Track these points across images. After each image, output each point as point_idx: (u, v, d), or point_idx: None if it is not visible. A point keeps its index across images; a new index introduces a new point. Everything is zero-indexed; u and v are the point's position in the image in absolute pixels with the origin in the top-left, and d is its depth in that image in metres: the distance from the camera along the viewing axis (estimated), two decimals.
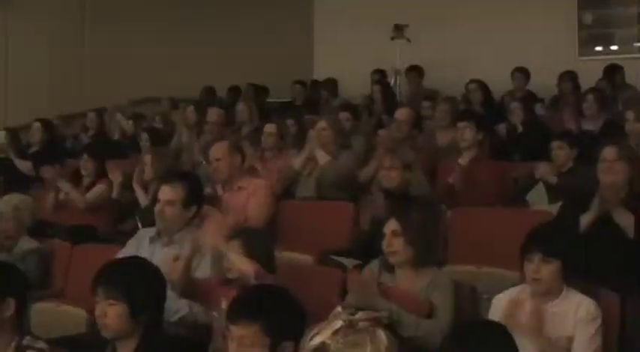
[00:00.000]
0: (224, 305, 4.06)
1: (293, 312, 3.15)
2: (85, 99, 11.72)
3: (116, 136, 10.32)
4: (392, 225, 4.18)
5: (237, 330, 3.05)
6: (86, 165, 7.29)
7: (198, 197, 4.93)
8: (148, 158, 6.88)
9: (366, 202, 5.72)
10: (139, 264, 3.77)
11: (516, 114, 7.99)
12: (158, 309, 3.61)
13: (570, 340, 3.74)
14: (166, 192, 4.80)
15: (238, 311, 3.10)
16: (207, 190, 5.93)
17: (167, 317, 4.25)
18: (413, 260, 4.17)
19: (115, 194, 7.01)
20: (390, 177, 5.57)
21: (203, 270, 4.55)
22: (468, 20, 11.72)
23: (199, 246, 4.36)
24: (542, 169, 6.23)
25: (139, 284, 3.51)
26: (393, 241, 4.16)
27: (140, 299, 3.47)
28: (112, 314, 3.43)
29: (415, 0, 11.94)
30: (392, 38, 10.91)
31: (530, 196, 6.16)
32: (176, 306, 4.37)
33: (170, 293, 4.35)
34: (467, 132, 6.62)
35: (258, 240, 4.34)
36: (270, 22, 12.88)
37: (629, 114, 6.41)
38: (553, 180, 6.13)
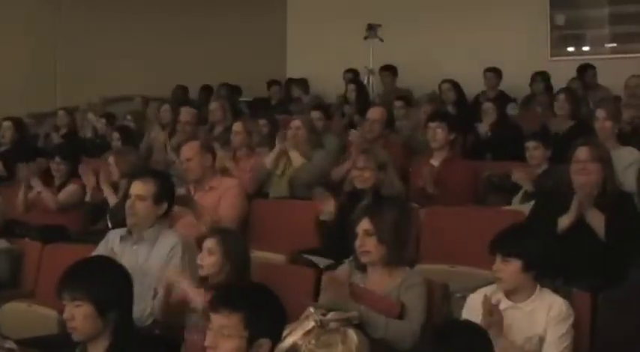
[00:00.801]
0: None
1: (275, 311, 3.14)
2: (57, 97, 11.65)
3: (88, 135, 10.24)
4: (364, 225, 4.18)
5: (218, 319, 3.02)
6: (58, 168, 7.23)
7: (169, 194, 4.91)
8: (111, 159, 6.84)
9: (339, 201, 5.69)
10: (102, 263, 3.76)
11: (489, 114, 8.01)
12: (126, 307, 3.58)
13: (542, 339, 3.77)
14: (138, 187, 4.78)
15: (222, 300, 3.08)
16: (181, 190, 5.90)
17: (141, 322, 4.25)
18: (385, 259, 4.16)
19: (88, 197, 6.94)
20: (364, 177, 5.56)
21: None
22: (441, 20, 11.77)
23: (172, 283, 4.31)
24: (518, 175, 6.24)
25: (104, 282, 3.48)
26: (366, 241, 4.15)
27: (106, 298, 3.44)
28: (79, 315, 3.40)
29: (388, 0, 11.96)
30: (365, 38, 10.92)
31: (515, 202, 6.16)
32: (148, 310, 4.36)
33: (141, 295, 4.36)
34: (438, 133, 6.63)
35: (233, 241, 4.32)
36: (243, 22, 12.84)
37: (600, 112, 6.42)
38: (529, 186, 6.13)
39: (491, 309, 3.73)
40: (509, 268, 3.83)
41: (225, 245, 4.24)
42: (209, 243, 4.26)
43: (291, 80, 12.39)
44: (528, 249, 3.88)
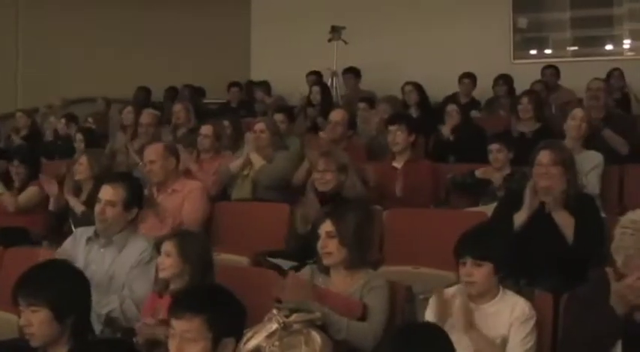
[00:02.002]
0: (162, 314, 4.03)
1: (235, 309, 3.16)
2: (18, 98, 11.54)
3: (49, 137, 10.14)
4: (327, 227, 4.18)
5: (180, 325, 3.03)
6: (17, 170, 7.13)
7: (138, 199, 4.87)
8: (83, 158, 6.75)
9: (301, 203, 5.68)
10: (57, 267, 3.71)
11: (453, 117, 8.03)
12: (84, 311, 3.55)
13: (505, 340, 3.78)
14: (108, 192, 4.72)
15: (182, 305, 3.09)
16: (145, 192, 5.87)
17: (97, 310, 4.20)
18: (347, 261, 4.17)
19: (51, 206, 6.82)
20: (325, 179, 5.56)
21: (143, 285, 4.50)
22: (405, 23, 11.81)
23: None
24: (484, 171, 6.26)
25: (59, 286, 3.43)
26: (328, 242, 4.15)
27: (63, 302, 3.39)
28: (36, 321, 3.36)
29: (352, 2, 11.99)
30: (329, 40, 10.92)
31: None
32: (106, 299, 4.33)
33: (100, 288, 4.32)
34: (398, 136, 6.64)
35: (191, 242, 4.28)
36: (207, 23, 12.80)
37: (578, 112, 6.46)
38: (496, 179, 6.17)
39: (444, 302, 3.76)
40: (482, 271, 3.84)
41: (183, 247, 4.20)
42: (167, 246, 4.23)
43: (251, 82, 12.36)
44: (499, 252, 3.90)
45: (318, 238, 4.19)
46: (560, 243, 4.70)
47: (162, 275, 4.22)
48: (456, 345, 2.95)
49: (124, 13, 12.47)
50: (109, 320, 4.37)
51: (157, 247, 4.35)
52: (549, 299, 4.04)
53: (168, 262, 4.19)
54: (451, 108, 8.15)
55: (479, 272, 3.83)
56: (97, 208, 4.74)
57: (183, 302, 3.11)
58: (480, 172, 6.33)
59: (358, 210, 4.51)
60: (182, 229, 5.00)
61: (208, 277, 4.20)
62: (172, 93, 11.99)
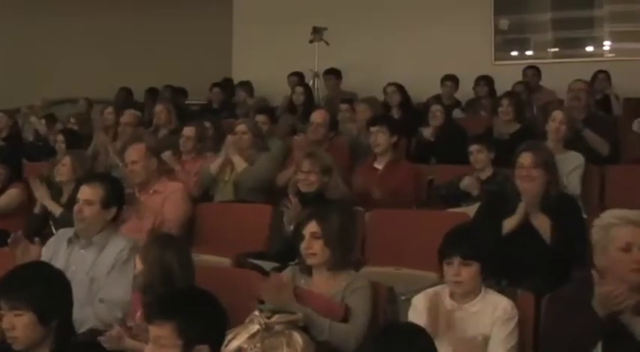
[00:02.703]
0: (138, 316, 4.02)
1: (210, 316, 3.12)
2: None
3: (30, 138, 10.08)
4: (311, 228, 4.18)
5: (153, 330, 3.04)
6: None
7: (118, 198, 4.84)
8: (67, 160, 6.71)
9: (282, 204, 5.67)
10: (40, 270, 3.64)
11: (437, 117, 8.03)
12: (67, 314, 3.52)
13: (486, 338, 3.79)
14: (85, 192, 4.71)
15: (154, 311, 3.08)
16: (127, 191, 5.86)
17: (76, 328, 4.17)
18: (330, 263, 4.17)
19: (36, 209, 6.77)
20: (309, 180, 5.56)
21: (121, 287, 4.48)
22: (387, 24, 11.81)
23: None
24: (467, 182, 6.27)
25: (44, 290, 3.38)
26: (313, 243, 4.15)
27: (47, 306, 3.34)
28: (20, 325, 3.30)
29: (334, 3, 11.98)
30: (310, 41, 10.92)
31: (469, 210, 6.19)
32: (82, 316, 4.29)
33: (88, 301, 4.30)
34: (380, 137, 6.65)
35: (156, 248, 4.21)
36: (189, 24, 12.77)
37: (558, 114, 6.48)
38: (475, 192, 6.17)
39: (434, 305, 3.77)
40: (470, 271, 3.84)
41: (146, 253, 4.18)
42: (139, 250, 4.22)
43: (227, 81, 12.31)
44: (485, 251, 3.91)
45: (302, 239, 4.18)
46: (543, 246, 4.72)
47: (137, 281, 4.20)
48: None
49: (106, 14, 12.45)
50: (91, 332, 4.34)
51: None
52: (531, 299, 4.05)
53: (138, 267, 4.18)
54: (435, 108, 8.14)
55: (466, 272, 3.83)
56: (75, 207, 4.73)
57: (156, 307, 3.10)
58: (465, 185, 6.31)
59: (341, 211, 4.50)
60: (158, 233, 4.96)
61: (174, 281, 4.10)
62: (153, 94, 11.95)
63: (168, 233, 5.15)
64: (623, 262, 3.51)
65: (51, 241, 4.88)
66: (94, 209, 4.67)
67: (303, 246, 4.17)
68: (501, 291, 3.96)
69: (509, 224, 4.83)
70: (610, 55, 11.51)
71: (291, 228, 5.31)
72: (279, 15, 12.38)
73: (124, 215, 5.65)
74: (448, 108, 8.63)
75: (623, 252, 3.52)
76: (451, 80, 10.44)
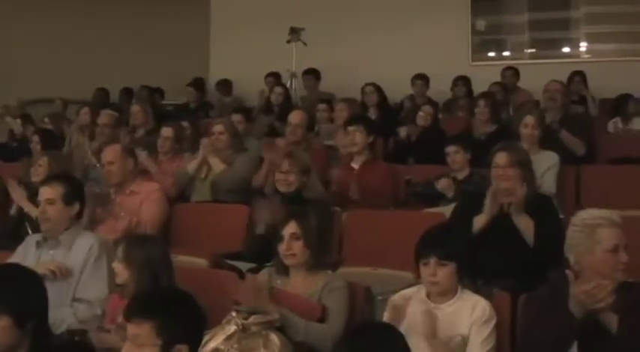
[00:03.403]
0: (120, 319, 4.00)
1: (190, 316, 3.12)
2: None
3: (4, 138, 10.02)
4: (291, 228, 4.17)
5: (131, 329, 3.02)
6: None
7: (79, 193, 4.82)
8: (44, 160, 6.65)
9: (260, 205, 5.66)
10: (14, 271, 3.58)
11: (426, 120, 8.05)
12: (44, 315, 3.48)
13: (464, 338, 3.79)
14: (46, 192, 4.70)
15: (133, 309, 3.07)
16: (96, 189, 5.84)
17: (54, 330, 4.15)
18: (309, 263, 4.17)
19: (13, 210, 6.71)
20: (288, 180, 5.56)
21: (97, 285, 4.47)
22: (364, 24, 11.83)
23: None
24: (443, 184, 6.28)
25: (21, 292, 3.33)
26: (293, 244, 4.14)
27: (23, 308, 3.28)
28: None
29: (312, 3, 11.99)
30: (288, 41, 10.91)
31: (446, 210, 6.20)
32: (60, 316, 4.27)
33: (60, 301, 4.27)
34: (357, 136, 6.65)
35: (137, 247, 4.21)
36: (167, 24, 12.72)
37: (529, 119, 6.50)
38: (450, 194, 6.18)
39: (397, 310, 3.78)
40: (446, 271, 3.84)
41: (128, 252, 4.15)
42: (118, 251, 4.20)
43: (198, 80, 12.29)
44: (462, 252, 3.91)
45: (281, 240, 4.17)
46: (520, 246, 4.73)
47: (117, 281, 4.18)
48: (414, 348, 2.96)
49: (82, 14, 12.37)
50: (69, 332, 4.31)
51: (115, 249, 4.30)
52: (507, 299, 4.05)
53: (119, 268, 4.16)
54: (426, 110, 8.14)
55: (442, 272, 3.83)
56: (39, 209, 4.74)
57: (135, 306, 3.08)
58: (440, 187, 6.31)
59: (320, 212, 4.51)
60: (134, 234, 4.94)
61: (164, 279, 4.13)
62: (128, 94, 11.91)
63: (144, 232, 5.14)
64: (609, 263, 3.56)
65: (20, 248, 4.85)
66: (56, 207, 4.66)
67: (282, 246, 4.16)
68: (477, 291, 3.96)
69: (479, 221, 4.84)
70: (586, 56, 11.59)
71: (263, 228, 5.32)
72: (257, 15, 12.36)
73: (99, 217, 5.64)
74: (434, 106, 8.62)
75: (611, 253, 3.56)
76: (421, 79, 10.45)
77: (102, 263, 4.50)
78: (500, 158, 4.97)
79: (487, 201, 4.82)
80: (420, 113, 8.12)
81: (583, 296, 3.47)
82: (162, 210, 6.06)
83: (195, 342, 3.14)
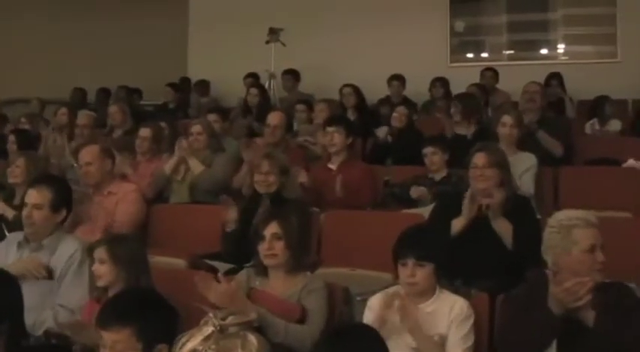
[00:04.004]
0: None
1: (165, 314, 3.14)
2: None
3: None
4: (272, 229, 4.16)
5: (109, 336, 3.00)
6: None
7: (67, 200, 4.78)
8: (21, 161, 6.61)
9: (230, 203, 5.65)
10: None
11: (399, 120, 8.04)
12: (19, 317, 3.46)
13: (443, 338, 3.80)
14: (33, 196, 4.63)
15: (109, 316, 3.05)
16: (82, 190, 5.82)
17: (33, 331, 4.13)
18: (289, 264, 4.17)
19: None
20: (268, 181, 5.55)
21: (77, 291, 4.44)
22: (343, 25, 11.84)
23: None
24: (418, 194, 6.28)
25: None
26: (274, 244, 4.14)
27: None
28: None
29: (291, 4, 11.99)
30: (267, 42, 10.89)
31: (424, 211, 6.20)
32: (41, 319, 4.25)
33: (41, 304, 4.24)
34: (335, 137, 6.66)
35: (122, 246, 4.22)
36: (145, 24, 12.70)
37: (507, 119, 6.52)
38: (426, 202, 6.18)
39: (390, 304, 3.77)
40: (424, 272, 3.84)
41: (115, 252, 4.13)
42: (99, 253, 4.16)
43: (183, 80, 12.27)
44: (440, 252, 3.92)
45: (262, 239, 4.16)
46: (498, 248, 4.74)
47: (100, 283, 4.15)
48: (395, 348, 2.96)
49: (59, 14, 12.33)
50: (47, 334, 4.28)
51: (89, 252, 4.27)
52: (486, 300, 4.07)
53: (103, 269, 4.12)
54: (400, 111, 8.14)
55: (421, 273, 3.83)
56: (24, 212, 4.65)
57: (110, 313, 3.07)
58: (416, 196, 6.31)
59: (299, 212, 4.50)
60: (111, 234, 4.92)
61: (144, 279, 4.13)
62: (105, 95, 11.86)
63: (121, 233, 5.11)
64: (586, 263, 3.58)
65: (1, 246, 4.81)
66: (43, 213, 4.61)
67: (264, 246, 4.15)
68: (455, 291, 3.97)
69: (457, 224, 4.84)
70: (564, 57, 11.67)
71: (232, 227, 5.31)
72: (236, 16, 12.36)
73: (78, 217, 5.61)
74: (408, 107, 8.62)
75: (587, 253, 3.58)
76: (397, 79, 10.48)
77: (84, 269, 4.45)
78: (479, 158, 4.99)
79: (465, 204, 4.82)
80: (395, 114, 8.11)
81: (563, 294, 3.48)
82: (138, 211, 6.03)
83: (172, 338, 3.14)
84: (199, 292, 3.89)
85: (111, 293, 4.10)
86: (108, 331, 3.00)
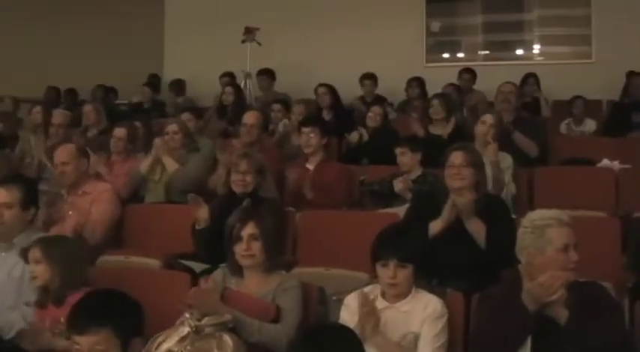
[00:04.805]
0: (47, 323, 4.01)
1: (133, 308, 3.19)
2: None
3: None
4: (250, 229, 4.15)
5: (87, 339, 3.02)
6: None
7: (35, 198, 4.81)
8: None
9: (199, 202, 5.61)
10: None
11: (374, 119, 8.05)
12: None
13: (417, 336, 3.81)
14: (3, 195, 4.65)
15: (83, 321, 3.06)
16: (55, 191, 5.78)
17: (4, 335, 4.11)
18: (265, 263, 4.16)
19: None
20: (246, 181, 5.52)
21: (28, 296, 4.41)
22: (319, 25, 11.86)
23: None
24: (401, 187, 6.29)
25: None
26: (252, 244, 4.12)
27: None
28: None
29: (266, 4, 11.97)
30: (243, 41, 10.86)
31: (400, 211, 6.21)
32: (10, 320, 4.22)
33: (14, 304, 4.22)
34: (311, 138, 6.67)
35: (56, 245, 4.22)
36: (120, 22, 12.64)
37: (488, 118, 6.53)
38: (408, 195, 6.19)
39: (366, 305, 3.77)
40: (405, 273, 3.85)
41: (49, 251, 4.14)
42: (33, 253, 4.17)
43: (153, 77, 12.22)
44: (420, 253, 3.92)
45: (239, 240, 4.15)
46: (473, 249, 4.75)
47: (37, 283, 4.15)
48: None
49: (34, 12, 12.25)
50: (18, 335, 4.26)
51: (23, 255, 4.25)
52: (461, 299, 4.08)
53: (39, 269, 4.13)
54: (375, 111, 8.15)
55: (402, 274, 3.84)
56: None
57: (83, 317, 3.08)
58: (399, 189, 6.32)
59: (275, 212, 4.49)
60: (49, 235, 4.89)
61: (78, 274, 4.16)
62: (72, 94, 11.82)
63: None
64: (560, 262, 3.60)
65: None
66: (13, 212, 4.63)
67: (241, 247, 4.14)
68: (432, 291, 3.98)
69: (435, 227, 4.84)
70: (539, 58, 11.72)
71: (202, 226, 5.31)
72: (212, 15, 12.32)
73: (52, 217, 5.58)
74: (382, 106, 8.63)
75: (561, 252, 3.61)
76: (370, 78, 10.49)
77: None
78: (457, 157, 4.98)
79: (446, 208, 4.82)
80: (370, 114, 8.13)
81: (538, 288, 3.50)
82: (113, 211, 5.98)
83: (143, 333, 3.17)
84: (175, 292, 3.88)
85: (51, 291, 4.12)
86: (85, 335, 3.02)
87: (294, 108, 8.60)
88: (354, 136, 7.90)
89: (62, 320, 3.93)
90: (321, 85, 9.51)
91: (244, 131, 7.32)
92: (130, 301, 3.19)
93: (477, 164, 5.00)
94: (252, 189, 5.53)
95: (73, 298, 4.00)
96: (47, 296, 4.13)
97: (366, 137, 8.08)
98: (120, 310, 3.10)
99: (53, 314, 4.05)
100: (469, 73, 10.67)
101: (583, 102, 9.22)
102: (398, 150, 6.48)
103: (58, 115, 8.25)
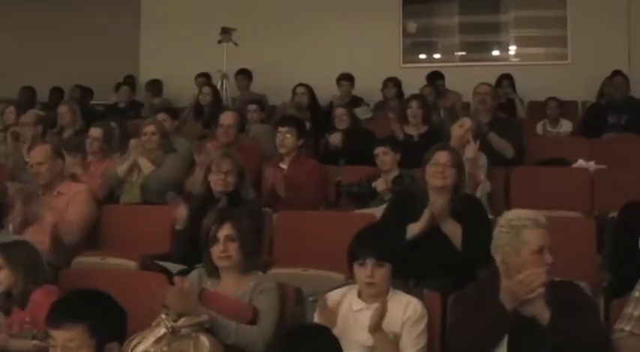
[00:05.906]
0: (14, 329, 4.01)
1: (115, 312, 3.14)
2: None
3: None
4: (226, 230, 4.14)
5: (62, 334, 2.99)
6: None
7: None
8: None
9: (178, 202, 5.59)
10: None
11: (342, 120, 8.04)
12: None
13: (396, 336, 3.81)
14: None
15: (60, 315, 3.04)
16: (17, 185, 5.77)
17: None
18: (242, 264, 4.15)
19: None
20: (227, 181, 5.49)
21: None
22: (296, 25, 11.85)
23: None
24: (382, 187, 6.29)
25: None
26: (229, 246, 4.11)
27: None
28: None
29: (243, 4, 11.95)
30: (219, 41, 10.84)
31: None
32: None
33: None
34: (287, 138, 6.67)
35: (16, 248, 4.23)
36: (96, 22, 12.58)
37: (467, 121, 6.53)
38: (388, 195, 6.19)
39: (324, 312, 3.77)
40: (383, 272, 3.85)
41: (11, 255, 4.14)
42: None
43: (128, 78, 12.17)
44: (397, 252, 3.93)
45: (216, 241, 4.13)
46: (449, 249, 4.75)
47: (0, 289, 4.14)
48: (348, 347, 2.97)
49: (8, 11, 12.17)
50: None
51: None
52: (438, 299, 4.09)
53: (2, 275, 4.13)
54: (340, 111, 8.14)
55: (379, 273, 3.84)
56: None
57: (62, 312, 3.05)
58: (380, 189, 6.32)
59: (251, 213, 4.48)
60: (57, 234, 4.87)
61: (41, 274, 4.18)
62: (59, 94, 11.74)
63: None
64: (534, 264, 3.60)
65: None
66: None
67: (218, 248, 4.12)
68: (408, 291, 3.99)
69: (413, 229, 4.83)
70: (515, 59, 11.79)
71: (182, 226, 5.29)
72: (188, 15, 12.29)
73: (29, 217, 5.55)
74: (348, 107, 8.60)
75: (536, 254, 3.62)
76: (347, 79, 10.49)
77: None
78: (442, 156, 4.96)
79: (426, 213, 4.82)
80: (336, 117, 8.11)
81: (517, 286, 3.51)
82: (89, 212, 5.93)
83: (123, 339, 3.14)
84: (151, 293, 3.86)
85: (16, 296, 4.11)
86: (60, 329, 2.99)
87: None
88: (335, 137, 7.88)
89: (27, 319, 3.94)
90: (300, 84, 9.52)
91: (221, 131, 7.29)
92: (115, 305, 3.14)
93: (460, 166, 5.01)
94: (232, 189, 5.51)
95: (36, 295, 4.01)
96: (10, 301, 4.11)
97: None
98: (100, 310, 3.06)
99: (19, 317, 4.03)
100: (440, 80, 10.66)
101: (557, 104, 9.27)
102: (380, 150, 6.48)
103: (27, 115, 8.18)
